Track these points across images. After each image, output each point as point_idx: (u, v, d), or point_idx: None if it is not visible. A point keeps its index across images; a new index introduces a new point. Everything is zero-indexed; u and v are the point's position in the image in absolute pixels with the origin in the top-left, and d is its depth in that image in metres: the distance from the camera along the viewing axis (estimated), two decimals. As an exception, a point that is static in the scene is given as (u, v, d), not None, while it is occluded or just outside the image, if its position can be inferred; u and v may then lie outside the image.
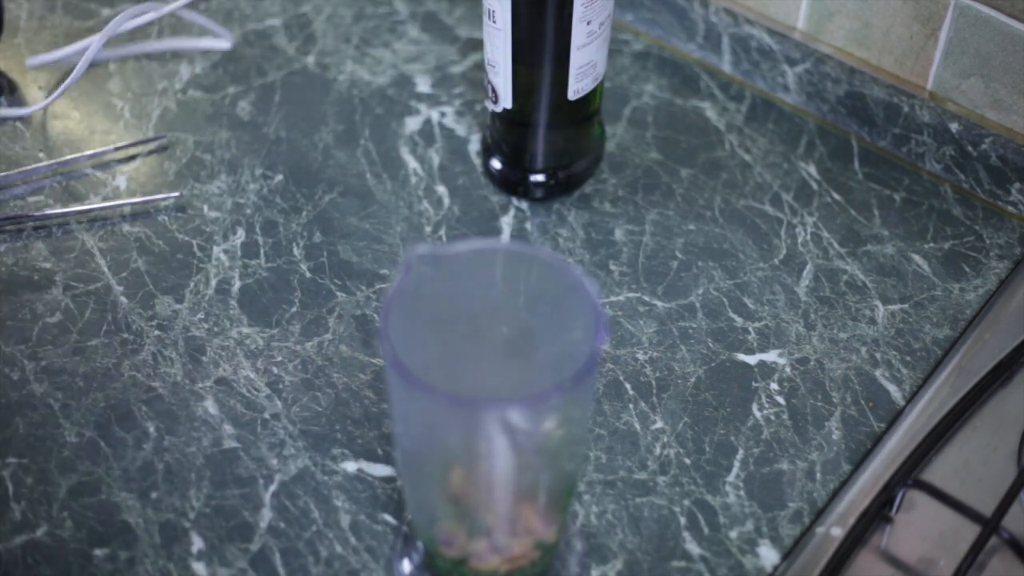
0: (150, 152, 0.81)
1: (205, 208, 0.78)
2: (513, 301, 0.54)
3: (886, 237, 0.77)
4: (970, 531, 0.61)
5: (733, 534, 0.63)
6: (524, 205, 0.78)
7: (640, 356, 0.70)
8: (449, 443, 0.50)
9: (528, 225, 0.77)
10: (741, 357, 0.70)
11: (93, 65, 0.87)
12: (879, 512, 0.63)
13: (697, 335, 0.71)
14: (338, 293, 0.73)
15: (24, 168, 0.79)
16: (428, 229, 0.76)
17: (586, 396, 0.50)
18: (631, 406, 0.68)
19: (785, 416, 0.68)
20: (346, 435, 0.67)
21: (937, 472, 0.65)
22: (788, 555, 0.62)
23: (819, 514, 0.64)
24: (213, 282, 0.74)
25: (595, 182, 0.80)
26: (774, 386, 0.69)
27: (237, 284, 0.74)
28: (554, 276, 0.52)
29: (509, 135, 0.76)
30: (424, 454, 0.51)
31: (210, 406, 0.67)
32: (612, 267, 0.75)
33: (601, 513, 0.64)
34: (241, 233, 0.76)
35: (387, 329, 0.49)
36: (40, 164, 0.79)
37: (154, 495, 0.64)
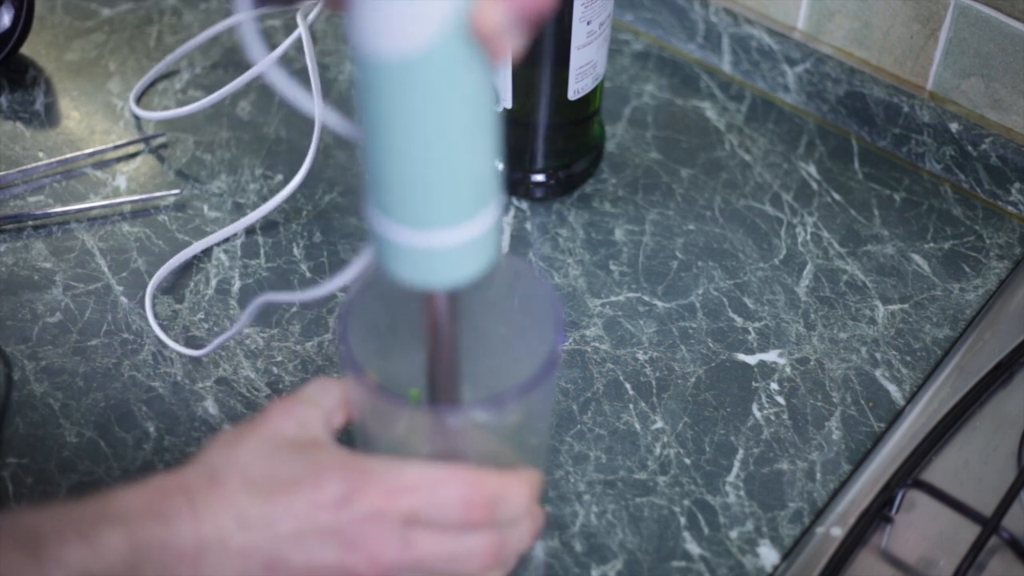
0: (150, 151, 0.81)
1: (205, 208, 0.78)
2: (481, 307, 0.54)
3: (886, 237, 0.77)
4: (970, 531, 0.61)
5: (733, 534, 0.63)
6: (524, 205, 0.78)
7: (640, 356, 0.70)
8: (409, 444, 0.51)
9: (528, 225, 0.77)
10: (741, 357, 0.70)
11: (92, 63, 0.87)
12: (879, 512, 0.63)
13: (697, 335, 0.71)
14: (338, 293, 0.73)
15: (24, 167, 0.79)
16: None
17: (545, 400, 0.52)
18: (631, 406, 0.68)
19: (785, 416, 0.68)
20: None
21: (937, 472, 0.65)
22: (788, 555, 0.62)
23: (819, 514, 0.64)
24: (213, 282, 0.74)
25: (595, 182, 0.80)
26: (774, 386, 0.69)
27: (237, 284, 0.74)
28: (521, 282, 0.53)
29: (509, 135, 0.76)
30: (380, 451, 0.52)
31: (210, 406, 0.67)
32: (612, 267, 0.75)
33: (601, 513, 0.64)
34: (241, 233, 0.76)
35: (346, 333, 0.49)
36: (40, 163, 0.79)
37: (154, 495, 0.63)
